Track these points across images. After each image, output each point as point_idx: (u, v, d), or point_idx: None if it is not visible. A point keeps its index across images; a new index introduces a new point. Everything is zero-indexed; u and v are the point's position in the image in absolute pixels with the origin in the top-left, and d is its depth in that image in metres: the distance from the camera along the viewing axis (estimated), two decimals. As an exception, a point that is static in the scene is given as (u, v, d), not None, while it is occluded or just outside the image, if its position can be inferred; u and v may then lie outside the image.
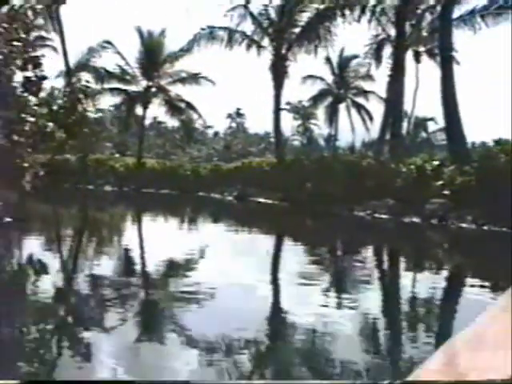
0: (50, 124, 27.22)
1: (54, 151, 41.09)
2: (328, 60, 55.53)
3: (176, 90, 50.29)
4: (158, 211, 35.81)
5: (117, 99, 50.91)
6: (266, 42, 42.18)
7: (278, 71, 41.05)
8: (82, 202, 38.95)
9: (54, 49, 48.03)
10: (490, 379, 5.19)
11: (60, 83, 45.95)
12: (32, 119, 22.89)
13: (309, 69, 54.27)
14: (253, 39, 42.20)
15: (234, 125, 79.39)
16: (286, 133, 63.36)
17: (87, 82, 43.45)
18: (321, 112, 63.19)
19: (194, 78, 49.17)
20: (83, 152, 45.57)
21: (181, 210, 37.19)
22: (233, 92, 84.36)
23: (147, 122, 59.88)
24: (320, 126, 67.47)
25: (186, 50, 44.54)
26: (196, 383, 8.13)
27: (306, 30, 40.36)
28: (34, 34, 33.46)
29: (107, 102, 52.41)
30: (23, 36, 21.52)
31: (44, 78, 24.87)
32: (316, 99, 61.37)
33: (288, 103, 65.91)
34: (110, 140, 56.08)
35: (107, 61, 48.87)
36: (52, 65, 50.41)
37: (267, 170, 40.14)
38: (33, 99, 23.85)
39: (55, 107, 34.23)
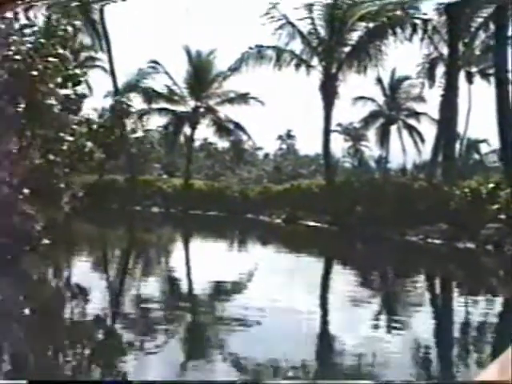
0: (89, 143, 26.80)
1: (100, 172, 41.00)
2: (379, 81, 54.83)
3: (225, 110, 49.99)
4: (205, 233, 35.40)
5: (165, 119, 50.77)
6: (315, 61, 41.59)
7: (328, 91, 40.37)
8: (129, 223, 38.75)
9: (104, 69, 48.13)
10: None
11: (108, 103, 45.99)
12: (71, 138, 22.45)
13: (360, 90, 53.43)
14: (302, 59, 41.63)
15: (284, 146, 78.82)
16: (337, 154, 62.54)
17: (129, 101, 43.30)
18: (372, 133, 62.40)
19: (242, 98, 48.73)
20: (131, 173, 45.46)
21: (228, 232, 36.73)
22: (283, 113, 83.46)
23: (198, 142, 59.73)
24: (371, 148, 66.42)
25: (234, 70, 44.03)
26: (195, 383, 7.92)
27: (356, 48, 39.77)
28: (84, 54, 33.46)
29: (155, 122, 52.19)
30: (60, 52, 21.07)
31: (84, 96, 24.60)
32: (367, 121, 60.64)
33: (339, 124, 65.06)
34: (159, 161, 55.89)
35: (156, 81, 48.78)
36: (103, 85, 50.55)
37: (316, 192, 39.40)
38: (72, 118, 23.44)
39: (95, 126, 33.87)
